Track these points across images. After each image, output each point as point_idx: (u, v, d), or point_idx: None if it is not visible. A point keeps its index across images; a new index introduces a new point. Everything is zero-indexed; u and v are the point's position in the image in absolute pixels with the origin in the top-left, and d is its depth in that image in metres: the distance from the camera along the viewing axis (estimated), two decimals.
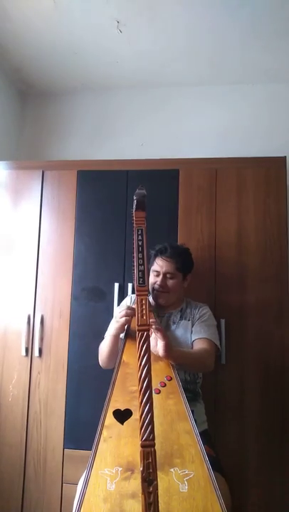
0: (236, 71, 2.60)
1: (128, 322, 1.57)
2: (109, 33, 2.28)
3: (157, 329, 1.44)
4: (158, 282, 1.75)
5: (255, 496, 1.89)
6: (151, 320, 1.41)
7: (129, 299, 1.88)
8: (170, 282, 1.76)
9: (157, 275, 1.77)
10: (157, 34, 2.29)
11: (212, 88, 2.75)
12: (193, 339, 1.72)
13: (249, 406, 1.96)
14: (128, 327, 1.60)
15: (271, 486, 1.89)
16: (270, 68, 2.55)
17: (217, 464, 1.45)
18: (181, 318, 1.79)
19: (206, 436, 1.57)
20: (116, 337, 1.61)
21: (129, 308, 1.58)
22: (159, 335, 1.43)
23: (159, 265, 1.77)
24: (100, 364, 1.76)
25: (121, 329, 1.58)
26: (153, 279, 1.78)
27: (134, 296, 1.88)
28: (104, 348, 1.70)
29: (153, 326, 1.42)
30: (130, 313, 1.54)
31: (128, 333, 1.59)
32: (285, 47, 2.36)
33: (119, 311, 1.63)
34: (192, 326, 1.75)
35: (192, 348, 1.70)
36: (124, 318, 1.55)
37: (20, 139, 2.90)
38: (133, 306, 1.47)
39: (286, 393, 1.95)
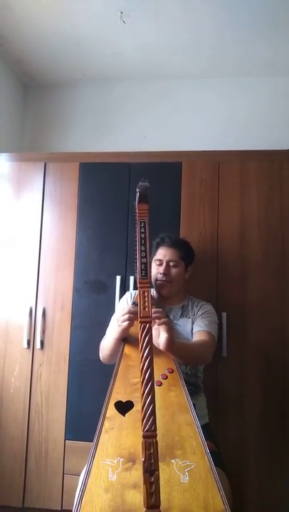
0: (240, 63, 2.58)
1: (131, 326, 1.47)
2: (112, 23, 2.26)
3: (163, 322, 1.37)
4: (161, 271, 1.73)
5: (255, 491, 1.90)
6: (158, 310, 1.38)
7: (129, 295, 1.86)
8: (173, 271, 1.75)
9: (160, 264, 1.76)
10: (160, 26, 2.27)
11: (215, 80, 2.73)
12: (194, 331, 1.70)
13: (250, 399, 1.96)
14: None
15: (272, 482, 1.90)
16: (275, 60, 2.53)
17: (218, 458, 1.45)
18: (181, 315, 1.77)
19: (207, 430, 1.56)
20: (118, 340, 1.53)
21: (130, 311, 1.47)
22: (163, 327, 1.37)
23: (162, 254, 1.77)
24: (100, 360, 1.72)
25: (124, 333, 1.50)
26: (155, 269, 1.76)
27: (134, 292, 1.87)
28: (105, 348, 1.65)
29: (160, 319, 1.37)
30: (133, 317, 1.45)
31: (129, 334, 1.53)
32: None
33: (121, 312, 1.55)
34: (192, 324, 1.73)
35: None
36: (126, 323, 1.46)
37: (22, 131, 2.89)
38: (135, 308, 1.36)
39: (287, 386, 1.95)
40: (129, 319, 1.46)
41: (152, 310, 1.35)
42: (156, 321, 1.36)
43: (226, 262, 2.05)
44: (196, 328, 1.70)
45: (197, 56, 2.53)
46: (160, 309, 1.42)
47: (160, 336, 1.38)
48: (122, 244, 2.11)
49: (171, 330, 1.39)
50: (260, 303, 2.01)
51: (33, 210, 2.22)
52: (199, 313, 1.76)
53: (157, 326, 1.38)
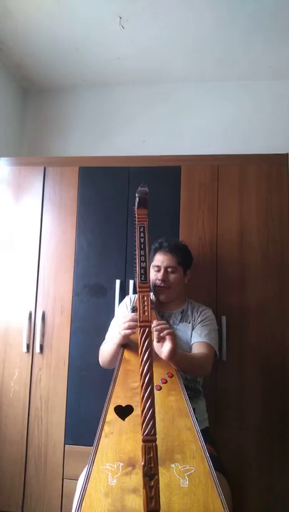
0: (239, 67, 2.59)
1: (132, 333, 1.47)
2: (112, 29, 2.27)
3: (169, 333, 1.38)
4: (159, 277, 1.73)
5: (256, 495, 1.89)
6: (162, 322, 1.42)
7: (129, 300, 1.86)
8: (171, 277, 1.75)
9: (158, 270, 1.76)
10: (160, 30, 2.28)
11: (214, 84, 2.74)
12: (193, 341, 1.70)
13: (249, 403, 1.96)
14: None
15: (272, 486, 1.89)
16: (274, 65, 2.54)
17: (218, 462, 1.44)
18: (181, 320, 1.76)
19: (207, 434, 1.56)
20: (119, 345, 1.54)
21: (133, 319, 1.46)
22: (168, 337, 1.37)
23: (159, 260, 1.76)
24: (100, 364, 1.73)
25: (125, 340, 1.51)
26: (154, 275, 1.76)
27: (133, 296, 1.87)
28: (105, 353, 1.65)
29: (165, 331, 1.38)
30: (134, 325, 1.44)
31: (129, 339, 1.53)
32: None
33: (122, 319, 1.54)
34: (192, 329, 1.73)
35: (191, 350, 1.68)
36: (128, 331, 1.46)
37: (22, 136, 2.90)
38: (136, 316, 1.33)
39: (287, 391, 1.95)
40: (130, 327, 1.46)
41: (156, 322, 1.39)
42: (164, 332, 1.38)
43: (225, 266, 2.06)
44: (196, 339, 1.69)
45: (197, 60, 2.54)
46: (164, 321, 1.45)
47: (164, 346, 1.38)
48: (122, 248, 2.11)
49: (175, 340, 1.40)
50: (259, 306, 2.01)
51: (33, 214, 2.23)
52: (199, 319, 1.75)
53: (160, 336, 1.39)
